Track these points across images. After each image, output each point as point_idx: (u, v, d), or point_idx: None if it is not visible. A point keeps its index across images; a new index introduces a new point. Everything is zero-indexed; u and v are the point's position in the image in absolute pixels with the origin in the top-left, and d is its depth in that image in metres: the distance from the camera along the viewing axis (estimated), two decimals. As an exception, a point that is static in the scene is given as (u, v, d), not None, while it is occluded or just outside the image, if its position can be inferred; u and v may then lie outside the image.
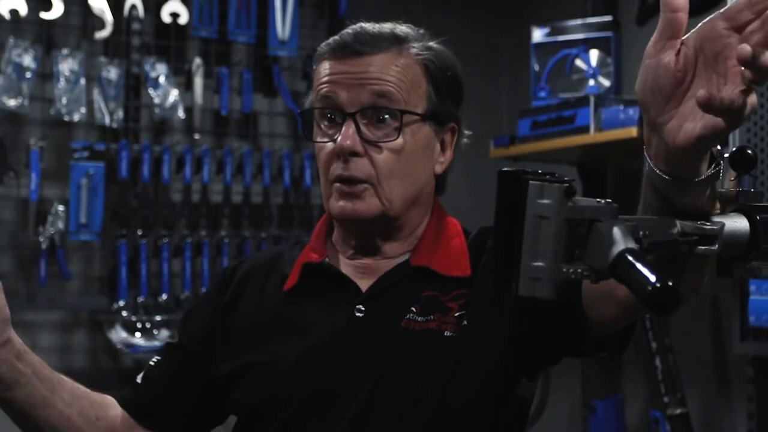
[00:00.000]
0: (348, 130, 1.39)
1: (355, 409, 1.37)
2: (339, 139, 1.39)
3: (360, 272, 1.46)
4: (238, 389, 1.46)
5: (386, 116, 1.40)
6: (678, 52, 0.96)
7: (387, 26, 1.45)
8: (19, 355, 1.36)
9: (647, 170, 1.02)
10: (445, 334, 1.38)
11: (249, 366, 1.45)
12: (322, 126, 1.43)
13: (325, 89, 1.42)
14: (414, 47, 1.44)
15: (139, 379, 1.56)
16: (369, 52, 1.41)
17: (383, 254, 1.47)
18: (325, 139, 1.42)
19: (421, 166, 1.45)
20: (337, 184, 1.41)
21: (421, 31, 1.48)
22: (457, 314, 1.40)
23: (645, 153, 1.02)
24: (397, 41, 1.43)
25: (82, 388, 1.48)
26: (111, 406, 1.51)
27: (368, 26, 1.45)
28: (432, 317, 1.40)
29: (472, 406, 1.37)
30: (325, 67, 1.43)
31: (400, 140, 1.40)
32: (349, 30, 1.44)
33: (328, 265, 1.47)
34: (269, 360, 1.44)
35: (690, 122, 0.95)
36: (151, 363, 1.56)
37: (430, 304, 1.41)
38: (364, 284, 1.45)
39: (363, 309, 1.42)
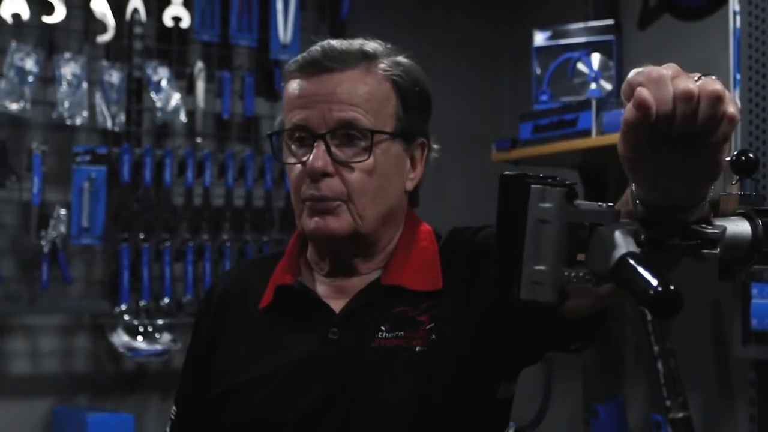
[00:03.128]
0: (318, 151, 1.39)
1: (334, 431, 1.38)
2: (310, 159, 1.39)
3: (334, 292, 1.47)
4: (226, 412, 1.47)
5: (356, 136, 1.40)
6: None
7: (356, 42, 1.45)
8: None
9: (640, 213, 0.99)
10: (416, 349, 1.39)
11: (234, 388, 1.47)
12: (293, 147, 1.44)
13: (295, 113, 1.42)
14: (383, 63, 1.44)
15: None
16: (338, 68, 1.40)
17: (357, 272, 1.47)
18: (295, 160, 1.43)
19: (392, 184, 1.45)
20: (309, 202, 1.41)
21: (389, 46, 1.47)
22: (428, 327, 1.40)
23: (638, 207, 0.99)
24: (366, 57, 1.43)
25: None
26: None
27: (336, 43, 1.44)
28: (402, 333, 1.40)
29: (448, 418, 1.38)
30: (293, 87, 1.43)
31: (371, 160, 1.40)
32: (317, 47, 1.44)
33: (300, 286, 1.47)
34: (251, 380, 1.45)
35: None
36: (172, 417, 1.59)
37: (400, 320, 1.41)
38: (337, 305, 1.45)
39: (336, 331, 1.42)
